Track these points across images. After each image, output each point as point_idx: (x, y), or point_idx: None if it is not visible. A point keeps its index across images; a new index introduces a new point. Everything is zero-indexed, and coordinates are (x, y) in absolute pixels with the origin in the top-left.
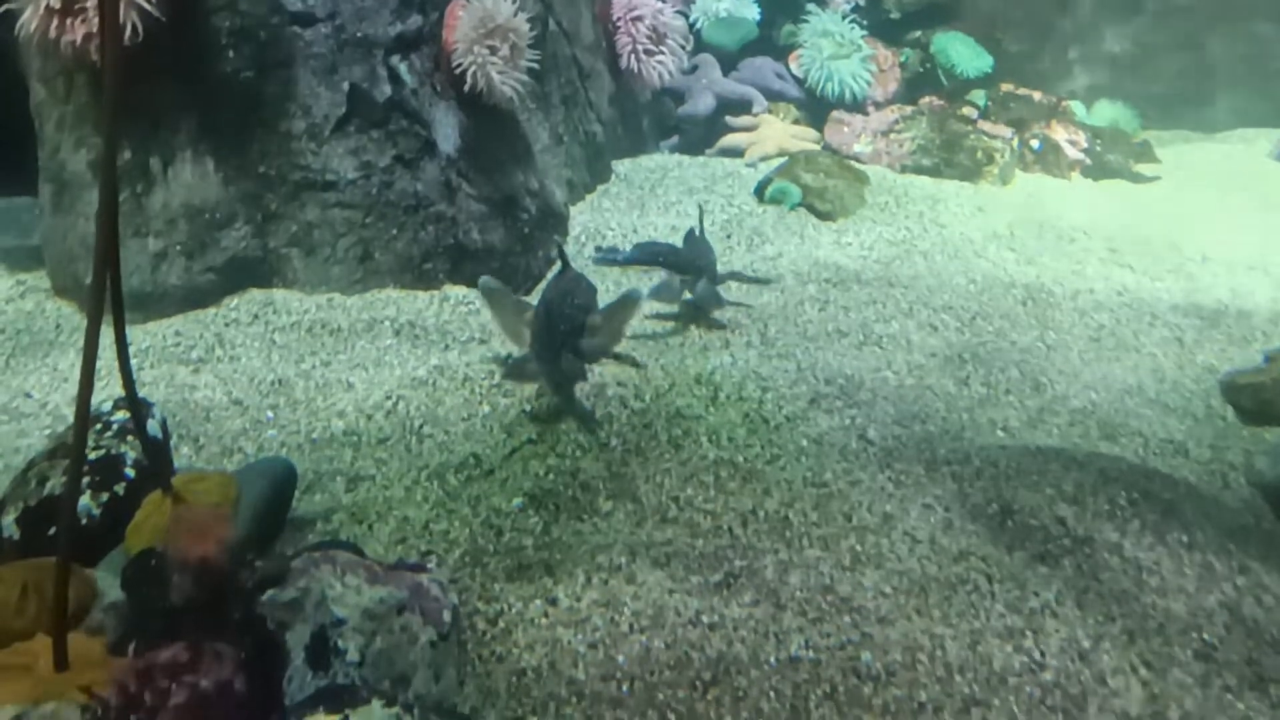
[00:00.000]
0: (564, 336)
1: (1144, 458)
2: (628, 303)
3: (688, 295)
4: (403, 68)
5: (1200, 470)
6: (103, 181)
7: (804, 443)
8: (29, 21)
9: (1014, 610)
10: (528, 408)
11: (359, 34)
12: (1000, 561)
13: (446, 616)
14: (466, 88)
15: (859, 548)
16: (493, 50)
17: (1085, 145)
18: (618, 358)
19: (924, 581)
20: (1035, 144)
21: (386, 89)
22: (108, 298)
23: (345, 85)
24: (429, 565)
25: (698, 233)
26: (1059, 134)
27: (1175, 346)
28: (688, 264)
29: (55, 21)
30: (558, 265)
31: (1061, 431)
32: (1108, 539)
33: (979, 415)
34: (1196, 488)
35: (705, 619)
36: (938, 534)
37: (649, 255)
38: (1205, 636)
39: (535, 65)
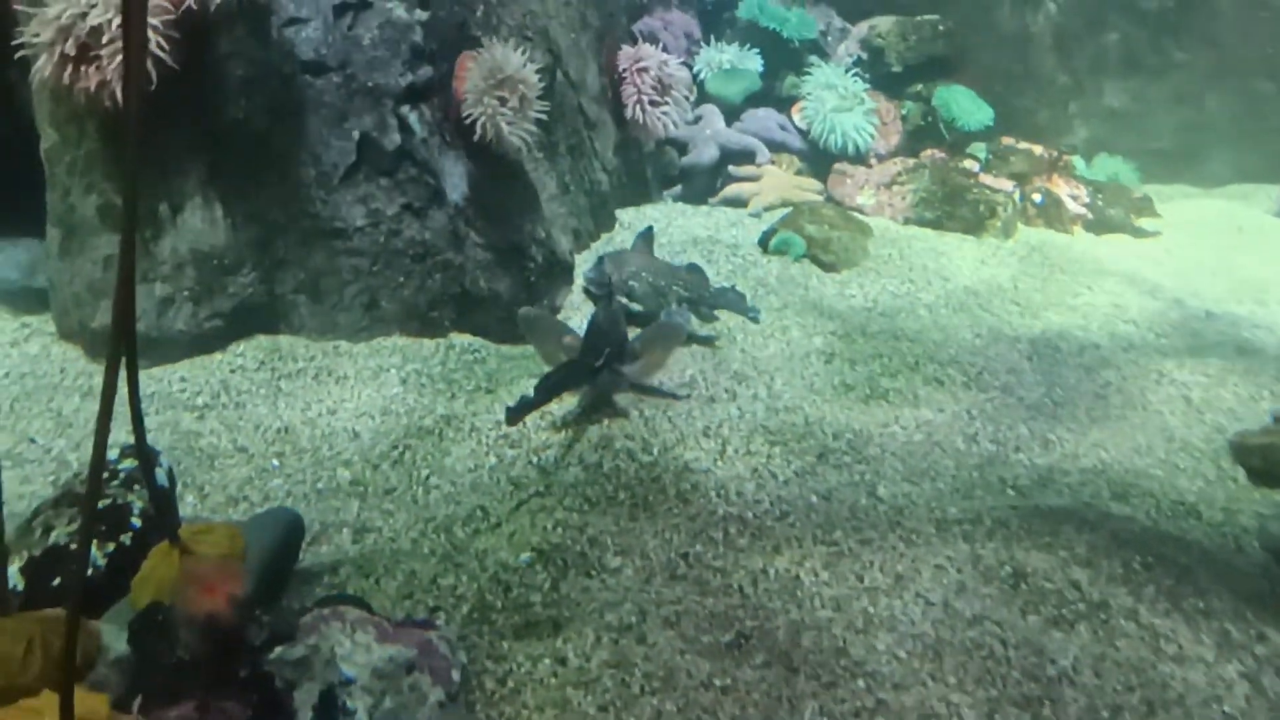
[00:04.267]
0: (608, 357)
1: (1156, 520)
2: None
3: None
4: (413, 117)
5: (1213, 533)
6: (123, 231)
7: (813, 499)
8: (43, 67)
9: (1031, 678)
10: (535, 459)
11: (370, 83)
12: (1015, 626)
13: (455, 676)
14: (476, 137)
15: (871, 609)
16: (502, 101)
17: (1087, 199)
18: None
19: (938, 646)
20: (1037, 198)
21: (396, 138)
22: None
23: (355, 134)
24: (437, 622)
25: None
26: (1060, 188)
27: (1182, 405)
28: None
29: (69, 68)
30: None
31: (1072, 491)
32: (1123, 604)
33: (989, 473)
34: (1210, 552)
35: (718, 681)
36: (951, 597)
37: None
38: (1226, 709)
39: (544, 116)
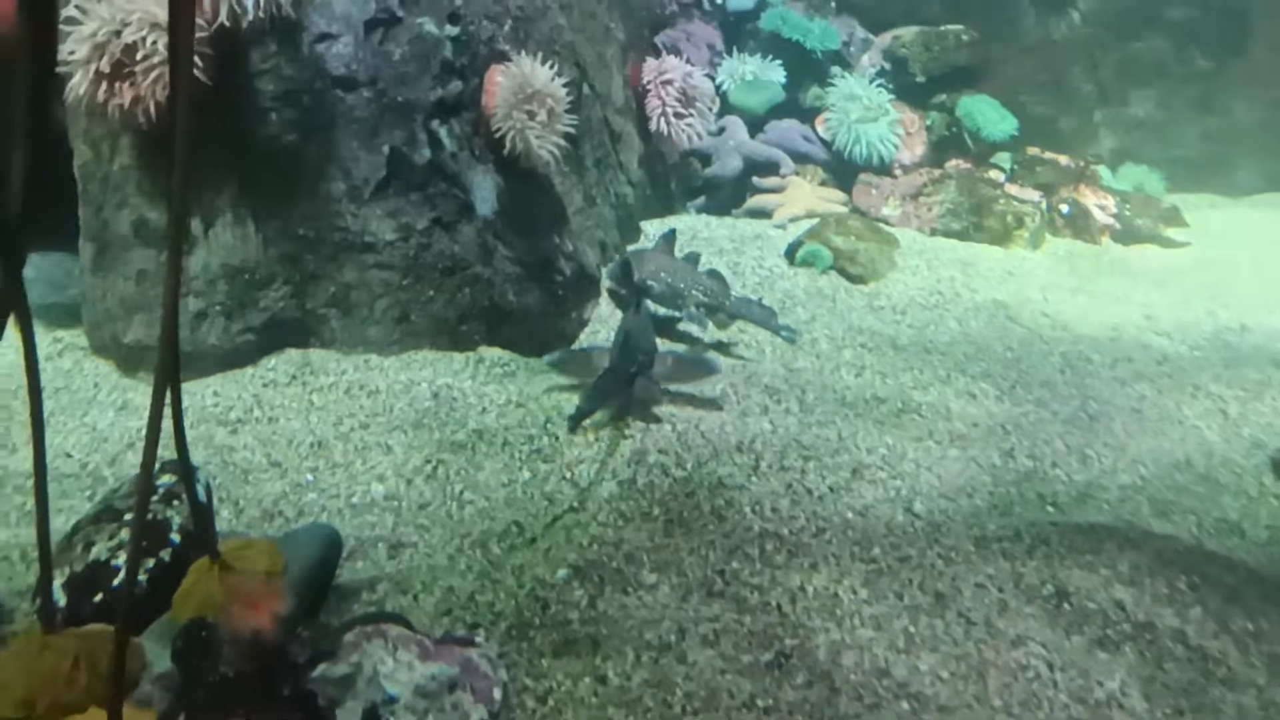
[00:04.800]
0: (640, 365)
1: (1199, 538)
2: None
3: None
4: (443, 132)
5: (1258, 552)
6: (170, 250)
7: (849, 515)
8: (78, 85)
9: (1078, 700)
10: (568, 474)
11: (400, 98)
12: (1060, 647)
13: (497, 694)
14: (505, 151)
15: (913, 629)
16: (531, 115)
17: (1114, 209)
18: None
19: (982, 667)
20: (1064, 208)
21: (426, 152)
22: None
23: (385, 148)
24: (477, 639)
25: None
26: (1088, 198)
27: (1219, 419)
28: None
29: (104, 85)
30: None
31: (1112, 508)
32: (1169, 625)
33: (1026, 489)
34: (1257, 571)
35: (760, 702)
36: (993, 616)
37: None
38: None
39: (572, 129)
